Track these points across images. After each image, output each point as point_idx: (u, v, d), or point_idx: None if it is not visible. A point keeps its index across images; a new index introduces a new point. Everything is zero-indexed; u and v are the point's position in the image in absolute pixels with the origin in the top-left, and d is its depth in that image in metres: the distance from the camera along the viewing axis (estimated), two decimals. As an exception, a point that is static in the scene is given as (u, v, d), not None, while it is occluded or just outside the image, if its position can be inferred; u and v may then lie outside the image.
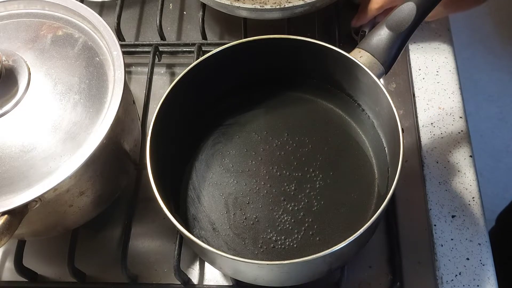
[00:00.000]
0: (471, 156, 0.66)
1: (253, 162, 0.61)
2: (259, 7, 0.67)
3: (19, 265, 0.60)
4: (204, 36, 0.75)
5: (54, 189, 0.49)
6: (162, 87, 0.74)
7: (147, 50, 0.74)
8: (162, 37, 0.76)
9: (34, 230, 0.57)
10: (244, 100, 0.65)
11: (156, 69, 0.73)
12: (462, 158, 0.66)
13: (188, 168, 0.62)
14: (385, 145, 0.59)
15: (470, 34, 1.87)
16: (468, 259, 0.60)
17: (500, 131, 1.73)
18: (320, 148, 0.61)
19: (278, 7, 0.67)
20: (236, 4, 0.68)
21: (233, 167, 0.61)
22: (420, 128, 0.68)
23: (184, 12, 0.82)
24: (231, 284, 0.60)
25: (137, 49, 0.75)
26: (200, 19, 0.74)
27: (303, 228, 0.57)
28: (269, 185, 0.60)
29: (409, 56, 0.74)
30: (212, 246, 0.48)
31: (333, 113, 0.64)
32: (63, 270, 0.60)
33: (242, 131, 0.63)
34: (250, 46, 0.59)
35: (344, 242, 0.47)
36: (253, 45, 0.59)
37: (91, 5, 0.74)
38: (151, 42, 0.75)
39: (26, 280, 0.61)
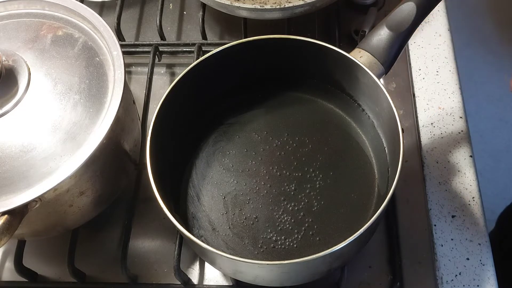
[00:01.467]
0: (471, 156, 0.66)
1: (253, 162, 0.61)
2: (259, 7, 0.67)
3: (19, 265, 0.60)
4: (204, 36, 0.75)
5: (54, 189, 0.49)
6: (162, 87, 0.74)
7: (147, 50, 0.74)
8: (162, 37, 0.76)
9: (34, 230, 0.57)
10: (244, 100, 0.65)
11: (156, 69, 0.73)
12: (462, 158, 0.66)
13: (188, 167, 0.62)
14: (385, 145, 0.59)
15: (470, 34, 1.87)
16: (468, 259, 0.60)
17: (500, 131, 1.73)
18: (320, 148, 0.61)
19: (278, 7, 0.67)
20: (236, 4, 0.68)
21: (233, 167, 0.61)
22: (420, 128, 0.68)
23: (184, 12, 0.82)
24: (231, 284, 0.60)
25: (137, 49, 0.75)
26: (200, 19, 0.74)
27: (303, 228, 0.57)
28: (269, 185, 0.60)
29: (409, 56, 0.74)
30: (212, 246, 0.48)
31: (333, 113, 0.64)
32: (63, 270, 0.60)
33: (242, 131, 0.63)
34: (250, 46, 0.59)
35: (344, 242, 0.47)
36: (253, 45, 0.59)
37: (91, 5, 0.74)
38: (151, 42, 0.75)
39: (26, 280, 0.61)
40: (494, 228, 1.06)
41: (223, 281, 0.61)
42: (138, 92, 0.73)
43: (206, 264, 0.61)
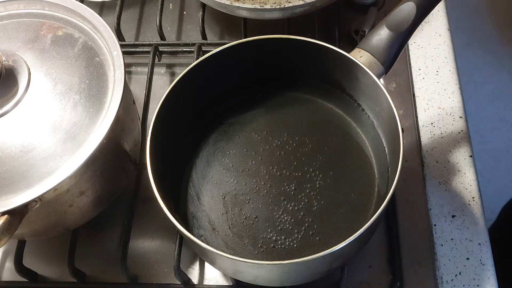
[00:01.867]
0: (471, 156, 0.66)
1: (253, 162, 0.61)
2: (259, 7, 0.67)
3: (19, 265, 0.60)
4: (204, 36, 0.75)
5: (54, 189, 0.49)
6: (162, 87, 0.74)
7: (147, 50, 0.74)
8: (162, 37, 0.76)
9: (34, 230, 0.57)
10: (244, 100, 0.65)
11: (156, 69, 0.73)
12: (462, 158, 0.66)
13: (188, 167, 0.62)
14: (385, 145, 0.59)
15: (470, 34, 1.87)
16: (468, 259, 0.60)
17: (500, 131, 1.73)
18: (320, 148, 0.61)
19: (278, 7, 0.67)
20: (236, 4, 0.68)
21: (233, 166, 0.61)
22: (420, 128, 0.68)
23: (184, 12, 0.82)
24: (231, 284, 0.60)
25: (137, 49, 0.75)
26: (200, 19, 0.74)
27: (303, 228, 0.57)
28: (269, 185, 0.60)
29: (409, 56, 0.74)
30: (212, 246, 0.48)
31: (333, 113, 0.64)
32: (63, 270, 0.60)
33: (243, 131, 0.63)
34: (250, 46, 0.59)
35: (344, 242, 0.47)
36: (253, 45, 0.59)
37: (91, 5, 0.74)
38: (151, 42, 0.75)
39: (26, 280, 0.61)
40: (494, 222, 1.06)
41: (223, 281, 0.61)
42: (138, 92, 0.73)
43: (206, 264, 0.61)
